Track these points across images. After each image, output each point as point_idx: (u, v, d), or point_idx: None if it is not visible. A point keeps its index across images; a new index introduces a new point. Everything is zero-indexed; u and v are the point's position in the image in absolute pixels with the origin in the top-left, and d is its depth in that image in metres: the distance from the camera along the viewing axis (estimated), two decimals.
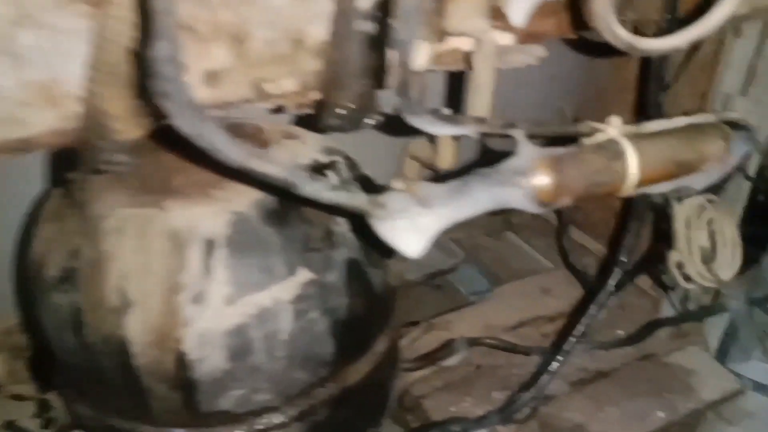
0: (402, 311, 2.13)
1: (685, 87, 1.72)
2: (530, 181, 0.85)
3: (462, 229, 2.36)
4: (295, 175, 0.75)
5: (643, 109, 1.58)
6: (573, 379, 1.82)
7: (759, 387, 2.09)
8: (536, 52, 1.12)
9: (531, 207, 0.87)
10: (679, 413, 1.79)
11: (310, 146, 1.17)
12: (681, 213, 1.36)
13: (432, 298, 2.15)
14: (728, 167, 0.99)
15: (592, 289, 2.02)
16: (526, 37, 1.10)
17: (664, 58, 1.50)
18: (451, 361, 1.59)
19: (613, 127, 0.92)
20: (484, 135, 0.95)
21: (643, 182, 0.92)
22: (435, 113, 0.94)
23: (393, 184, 0.81)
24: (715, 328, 2.42)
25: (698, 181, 0.99)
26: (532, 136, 0.88)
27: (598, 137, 0.92)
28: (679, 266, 1.42)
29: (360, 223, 0.81)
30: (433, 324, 1.88)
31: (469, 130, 0.94)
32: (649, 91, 1.51)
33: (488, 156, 0.88)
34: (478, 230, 2.38)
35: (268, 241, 1.02)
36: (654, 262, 1.78)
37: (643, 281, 2.08)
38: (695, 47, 1.61)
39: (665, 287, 1.91)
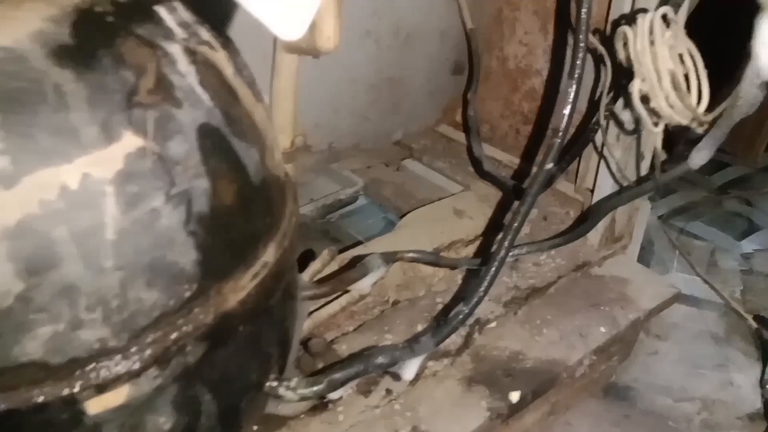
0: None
1: None
2: None
3: (353, 161, 2.07)
4: None
5: None
6: (506, 299, 1.58)
7: (682, 298, 2.04)
8: None
9: None
10: (621, 325, 1.61)
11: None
12: (642, 26, 1.11)
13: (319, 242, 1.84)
14: None
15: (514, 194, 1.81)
16: None
17: None
18: (366, 282, 1.25)
19: None
20: None
21: None
22: None
23: None
24: (632, 243, 2.34)
25: None
26: None
27: None
28: (646, 99, 1.17)
29: None
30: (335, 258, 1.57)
31: None
32: None
33: None
34: (371, 160, 2.08)
35: (63, 91, 0.66)
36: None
37: (564, 186, 1.89)
38: None
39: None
